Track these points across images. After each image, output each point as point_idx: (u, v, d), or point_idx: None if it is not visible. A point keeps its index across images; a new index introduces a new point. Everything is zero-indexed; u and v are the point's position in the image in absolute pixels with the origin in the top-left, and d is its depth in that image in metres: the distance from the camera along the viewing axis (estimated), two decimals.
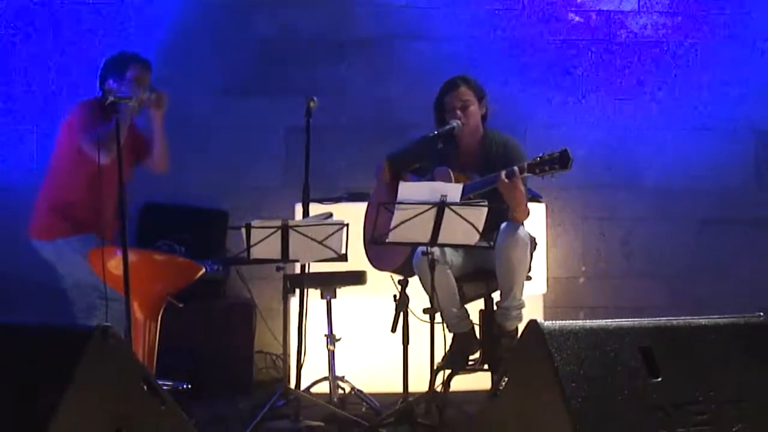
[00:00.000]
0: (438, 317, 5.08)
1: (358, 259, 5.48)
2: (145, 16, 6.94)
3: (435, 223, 4.83)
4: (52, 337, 3.54)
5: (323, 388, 5.42)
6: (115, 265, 5.02)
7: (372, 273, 5.61)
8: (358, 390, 5.44)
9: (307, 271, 5.29)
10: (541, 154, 5.04)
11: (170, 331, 5.51)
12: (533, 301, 6.02)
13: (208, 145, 6.90)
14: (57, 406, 3.28)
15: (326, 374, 5.41)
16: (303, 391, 5.24)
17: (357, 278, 5.59)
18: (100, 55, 6.86)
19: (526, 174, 5.08)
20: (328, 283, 5.48)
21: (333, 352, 5.41)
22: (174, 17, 6.96)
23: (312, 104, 5.35)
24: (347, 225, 5.02)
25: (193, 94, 6.89)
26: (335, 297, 5.51)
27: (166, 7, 6.96)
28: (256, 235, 4.89)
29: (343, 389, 5.45)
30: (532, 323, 3.69)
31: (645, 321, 3.80)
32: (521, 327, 5.10)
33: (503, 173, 5.08)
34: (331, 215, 5.12)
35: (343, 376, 5.45)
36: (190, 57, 6.95)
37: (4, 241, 6.80)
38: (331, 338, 5.43)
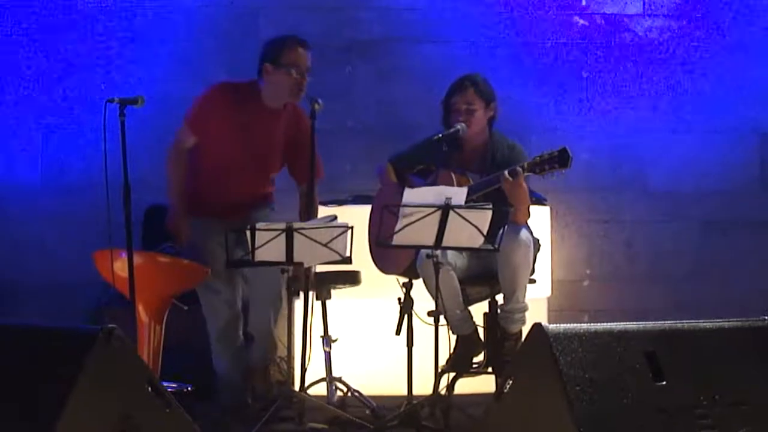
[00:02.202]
0: (442, 320, 5.08)
1: (362, 262, 5.48)
2: (152, 19, 6.95)
3: (440, 226, 4.84)
4: (57, 339, 3.55)
5: (321, 389, 5.41)
6: (120, 267, 5.02)
7: (376, 275, 5.61)
8: (355, 391, 5.43)
9: (314, 273, 5.28)
10: (541, 153, 5.07)
11: (175, 333, 5.52)
12: (537, 304, 6.02)
13: None
14: (62, 408, 3.29)
15: (323, 375, 5.41)
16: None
17: (351, 278, 5.58)
18: (107, 56, 6.92)
19: (527, 173, 5.10)
20: (322, 284, 5.47)
21: (329, 353, 5.41)
22: (181, 20, 6.96)
23: (317, 107, 5.34)
24: (352, 228, 5.01)
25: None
26: (330, 298, 5.50)
27: (173, 10, 6.97)
28: (260, 237, 4.88)
29: (342, 390, 5.44)
30: (537, 326, 3.69)
31: (649, 324, 3.80)
32: (525, 330, 5.11)
33: (506, 172, 5.09)
34: (335, 218, 5.12)
35: (341, 377, 5.45)
36: (196, 59, 6.95)
37: (9, 239, 6.82)
38: (326, 339, 5.42)
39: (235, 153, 5.48)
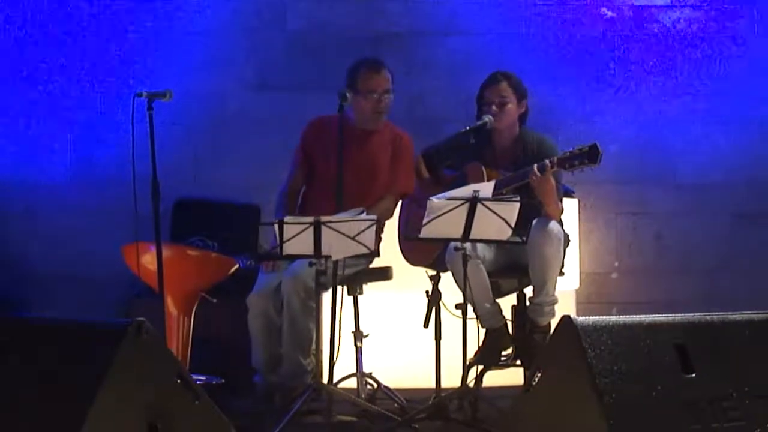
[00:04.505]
0: (471, 312, 5.07)
1: (390, 255, 5.48)
2: (180, 13, 6.96)
3: (467, 218, 4.83)
4: (88, 332, 3.57)
5: (351, 384, 5.41)
6: (149, 260, 5.05)
7: (404, 269, 5.61)
8: (385, 387, 5.43)
9: (343, 268, 5.27)
10: (570, 149, 5.04)
11: (204, 326, 5.54)
12: (566, 297, 6.00)
13: (241, 140, 6.92)
14: (92, 401, 3.31)
15: (354, 371, 5.41)
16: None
17: (383, 274, 5.58)
18: (134, 53, 6.94)
19: (555, 168, 5.07)
20: (354, 280, 5.48)
21: (360, 348, 5.40)
22: (208, 14, 6.98)
23: (345, 101, 5.35)
24: (379, 220, 5.01)
25: (227, 89, 6.92)
26: (362, 293, 5.51)
27: (200, 3, 6.99)
28: (288, 230, 4.89)
29: (372, 386, 5.44)
30: (566, 319, 3.69)
31: (679, 317, 3.79)
32: (554, 323, 5.10)
33: (534, 166, 5.08)
34: (363, 211, 5.12)
35: (371, 373, 5.45)
36: (223, 52, 6.97)
37: (39, 233, 6.85)
38: (358, 335, 5.43)
39: (331, 175, 5.43)
